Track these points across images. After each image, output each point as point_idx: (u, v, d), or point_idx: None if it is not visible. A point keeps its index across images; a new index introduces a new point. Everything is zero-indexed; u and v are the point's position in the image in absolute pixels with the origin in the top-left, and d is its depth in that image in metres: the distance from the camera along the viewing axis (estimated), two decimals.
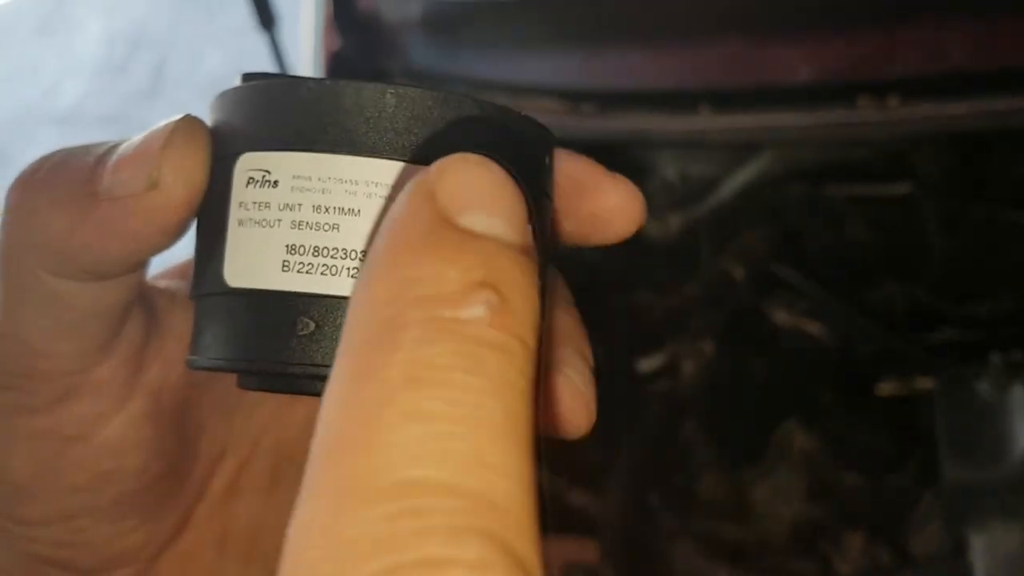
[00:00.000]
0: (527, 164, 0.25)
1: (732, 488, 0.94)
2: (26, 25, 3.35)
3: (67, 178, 0.24)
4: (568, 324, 0.27)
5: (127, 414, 0.27)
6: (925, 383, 0.91)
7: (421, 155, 0.24)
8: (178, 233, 0.25)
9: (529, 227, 0.18)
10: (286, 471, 0.31)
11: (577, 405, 0.26)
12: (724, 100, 0.80)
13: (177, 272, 0.30)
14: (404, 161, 0.23)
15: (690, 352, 0.99)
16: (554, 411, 0.26)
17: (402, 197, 0.18)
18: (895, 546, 0.85)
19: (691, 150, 0.99)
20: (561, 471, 0.95)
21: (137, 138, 0.24)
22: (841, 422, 0.94)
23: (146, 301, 0.28)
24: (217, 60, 2.93)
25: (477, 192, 0.17)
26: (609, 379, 1.01)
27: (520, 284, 0.16)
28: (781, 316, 1.00)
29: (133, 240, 0.24)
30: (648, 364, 1.01)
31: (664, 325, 1.02)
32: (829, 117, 0.76)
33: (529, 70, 0.91)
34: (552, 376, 0.26)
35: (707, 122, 0.80)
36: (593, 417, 0.26)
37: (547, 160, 0.26)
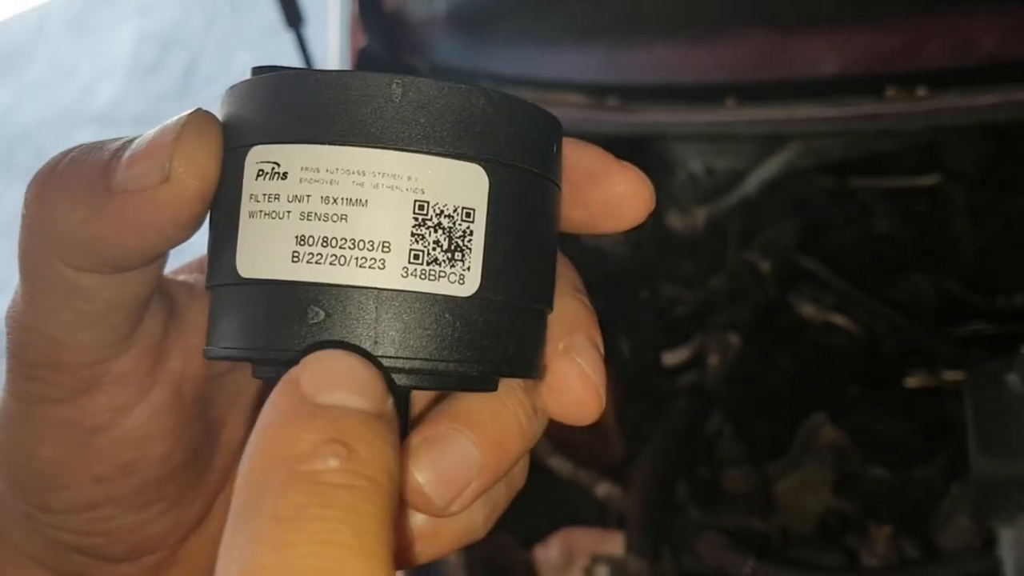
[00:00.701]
0: (533, 151, 0.25)
1: (758, 481, 0.94)
2: (60, 26, 3.40)
3: (83, 173, 0.25)
4: (577, 310, 0.28)
5: (149, 404, 0.28)
6: (953, 376, 0.90)
7: (427, 145, 0.24)
8: (193, 225, 0.25)
9: (388, 400, 0.22)
10: None
11: (587, 391, 0.27)
12: (750, 92, 0.80)
13: (197, 266, 0.30)
14: (410, 151, 0.24)
15: (716, 345, 0.99)
16: (564, 398, 0.27)
17: (276, 388, 0.21)
18: (922, 539, 0.85)
19: (717, 143, 0.99)
20: (588, 463, 0.95)
21: (150, 132, 0.25)
22: (868, 415, 0.93)
23: (166, 294, 0.28)
24: (247, 60, 2.96)
25: (332, 376, 0.21)
26: (636, 372, 1.01)
27: (366, 437, 0.20)
28: (808, 309, 1.00)
29: (147, 232, 0.25)
30: (674, 357, 1.01)
31: (690, 318, 1.02)
32: (857, 109, 0.76)
33: (554, 65, 0.91)
34: (562, 362, 0.27)
35: (733, 115, 0.80)
36: (603, 403, 0.27)
37: (554, 148, 0.27)
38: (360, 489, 0.19)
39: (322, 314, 0.23)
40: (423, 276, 0.24)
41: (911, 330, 0.95)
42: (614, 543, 0.92)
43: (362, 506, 0.19)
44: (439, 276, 0.24)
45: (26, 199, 0.25)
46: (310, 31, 0.98)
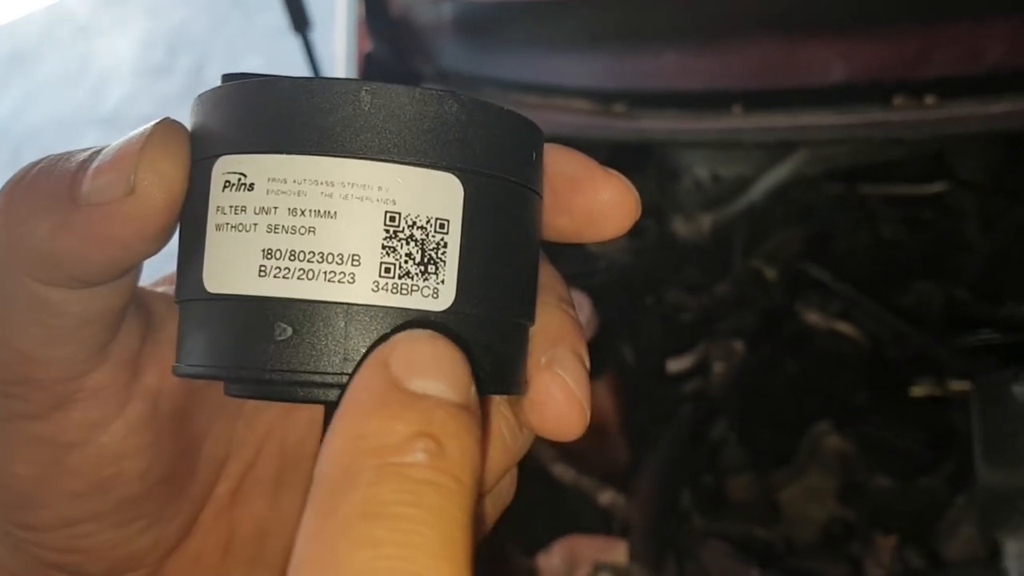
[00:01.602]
0: (511, 159, 0.25)
1: (763, 489, 0.94)
2: (69, 28, 3.42)
3: (49, 184, 0.24)
4: (560, 322, 0.27)
5: (125, 419, 0.27)
6: (960, 386, 0.89)
7: (398, 154, 0.23)
8: (160, 239, 0.24)
9: (472, 388, 0.21)
10: (291, 475, 0.31)
11: (570, 406, 0.26)
12: (757, 100, 0.79)
13: (175, 278, 0.29)
14: (381, 161, 0.23)
15: (721, 352, 0.99)
16: (547, 413, 0.26)
17: (364, 365, 0.21)
18: (927, 550, 0.84)
19: (723, 150, 0.99)
20: (592, 471, 0.95)
21: (117, 143, 0.24)
22: (874, 424, 0.93)
23: (143, 306, 0.28)
24: (256, 62, 2.96)
25: (423, 361, 0.21)
26: (640, 379, 1.01)
27: (456, 433, 0.20)
28: (813, 317, 0.99)
29: (113, 246, 0.24)
30: (679, 364, 1.00)
31: (695, 325, 1.02)
32: (864, 116, 0.75)
33: (561, 71, 0.91)
34: (544, 376, 0.26)
35: (740, 122, 0.80)
36: (587, 419, 0.26)
37: (534, 155, 0.26)
38: (447, 490, 0.19)
39: (289, 330, 0.23)
40: (395, 290, 0.23)
41: (917, 338, 0.95)
42: (617, 551, 0.92)
43: (448, 509, 0.19)
44: (412, 290, 0.23)
45: None
46: (317, 35, 0.98)
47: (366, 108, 0.23)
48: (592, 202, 0.27)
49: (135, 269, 0.26)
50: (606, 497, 0.95)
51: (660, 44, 0.86)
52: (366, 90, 0.23)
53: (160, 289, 0.30)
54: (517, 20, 0.96)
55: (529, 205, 0.26)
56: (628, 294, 1.01)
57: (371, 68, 1.04)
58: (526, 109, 0.95)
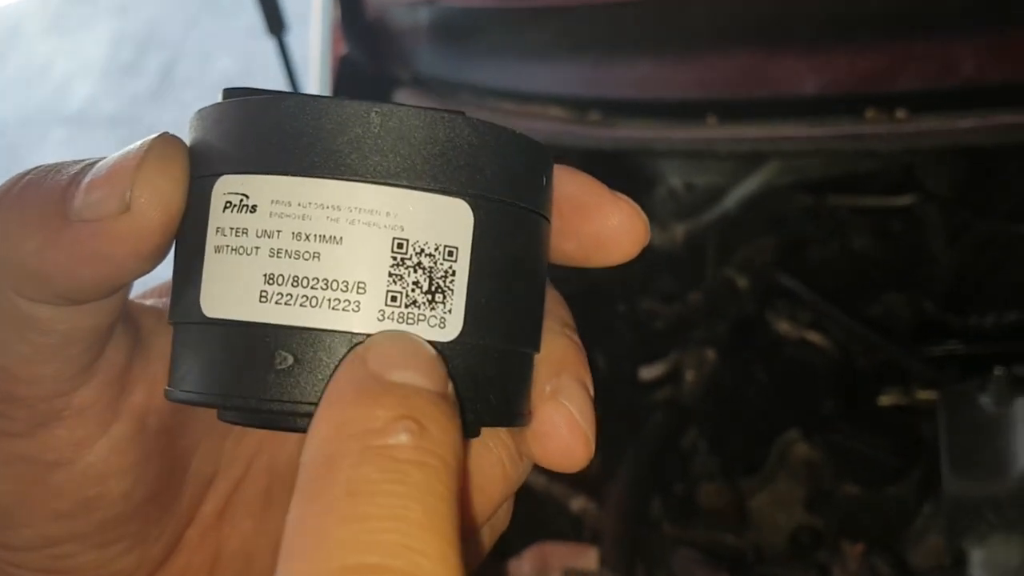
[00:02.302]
0: (522, 185, 0.24)
1: (732, 496, 0.94)
2: (36, 24, 3.36)
3: (38, 198, 0.23)
4: (565, 349, 0.27)
5: (111, 438, 0.26)
6: (927, 395, 0.91)
7: (408, 179, 0.22)
8: (155, 257, 0.24)
9: (448, 379, 0.21)
10: (279, 493, 0.31)
11: (575, 438, 0.25)
12: (731, 111, 0.80)
13: (166, 289, 0.28)
14: (390, 185, 0.22)
15: (693, 360, 0.99)
16: (551, 445, 0.26)
17: (343, 363, 0.22)
18: (894, 558, 0.85)
19: (697, 160, 1.00)
20: (563, 477, 0.95)
21: (111, 157, 0.23)
22: (842, 432, 0.94)
23: (131, 320, 0.27)
24: (227, 62, 2.94)
25: (400, 355, 0.21)
26: (612, 386, 1.01)
27: (436, 416, 0.20)
28: (784, 326, 1.00)
29: (105, 265, 0.23)
30: (651, 372, 1.01)
31: (668, 333, 1.02)
32: (836, 129, 0.76)
33: (537, 78, 0.91)
34: (548, 407, 0.26)
35: (714, 132, 0.81)
36: (592, 451, 0.26)
37: (544, 180, 0.25)
38: (431, 467, 0.19)
39: (291, 359, 0.22)
40: (400, 319, 0.22)
41: (885, 348, 0.96)
42: (588, 558, 0.92)
43: (433, 485, 0.19)
44: (418, 319, 0.22)
45: None
46: (292, 38, 0.97)
47: (375, 130, 0.22)
48: (600, 227, 0.27)
49: (124, 288, 0.25)
50: (577, 504, 0.95)
51: (636, 54, 0.86)
52: (376, 111, 0.22)
53: (149, 301, 0.28)
54: (493, 27, 0.96)
55: (538, 231, 0.25)
56: (601, 301, 1.01)
57: (346, 71, 1.03)
58: (501, 115, 0.95)
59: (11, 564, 0.27)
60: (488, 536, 0.29)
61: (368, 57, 1.03)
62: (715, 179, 1.00)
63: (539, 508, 0.97)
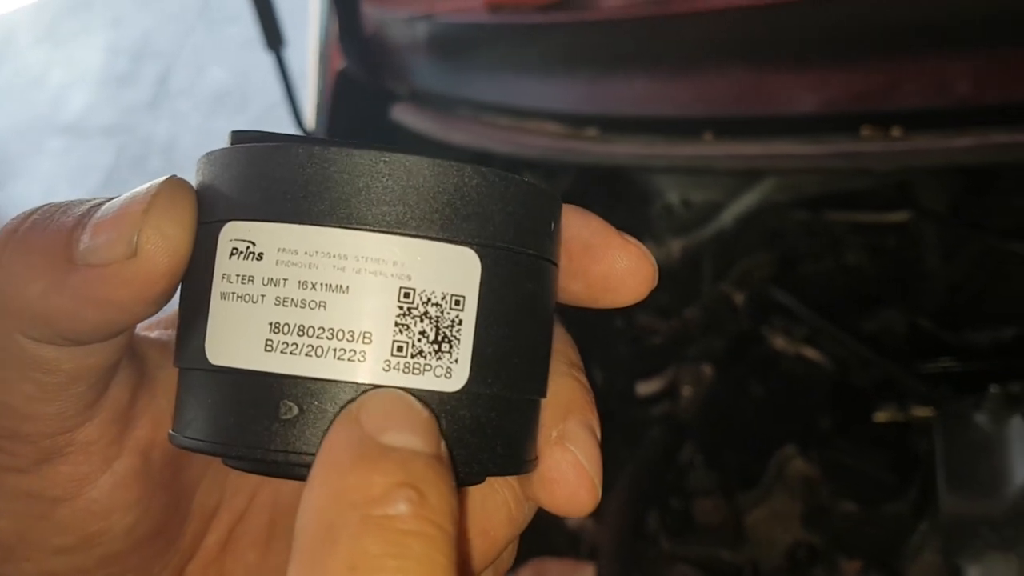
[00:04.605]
0: (530, 232, 0.24)
1: (729, 512, 0.94)
2: (32, 34, 3.36)
3: (44, 241, 0.23)
4: (572, 392, 0.26)
5: (114, 474, 0.26)
6: (922, 412, 0.91)
7: (416, 227, 0.22)
8: (161, 302, 0.24)
9: (441, 439, 0.21)
10: (282, 526, 0.31)
11: (581, 483, 0.25)
12: (728, 127, 0.80)
13: (171, 321, 0.28)
14: (397, 234, 0.22)
15: (690, 376, 0.99)
16: (557, 492, 0.26)
17: (335, 423, 0.21)
18: (891, 574, 0.85)
19: (694, 176, 1.00)
20: None
21: (118, 200, 0.23)
22: (838, 448, 0.94)
23: (136, 355, 0.27)
24: (220, 73, 2.94)
25: (393, 416, 0.21)
26: (609, 401, 1.01)
27: (434, 482, 0.20)
28: (780, 341, 1.00)
29: (111, 309, 0.23)
30: (648, 387, 1.01)
31: (664, 348, 1.02)
32: (832, 147, 0.76)
33: (534, 94, 0.91)
34: (555, 452, 0.26)
35: (711, 149, 0.81)
36: (598, 496, 0.26)
37: (552, 225, 0.25)
38: (431, 538, 0.19)
39: (296, 409, 0.22)
40: (406, 370, 0.22)
41: (881, 364, 0.96)
42: (585, 573, 0.92)
43: (433, 556, 0.19)
44: (424, 370, 0.22)
45: None
46: (289, 52, 0.97)
47: (383, 179, 0.22)
48: (609, 269, 0.27)
49: (128, 330, 0.25)
50: (574, 520, 0.95)
51: (633, 70, 0.87)
52: (384, 160, 0.22)
53: (155, 333, 0.28)
54: (491, 42, 0.96)
55: (546, 276, 0.25)
56: (598, 316, 1.01)
57: (343, 86, 1.03)
58: (498, 131, 0.95)
59: None
60: None
61: (366, 72, 1.03)
62: (712, 195, 1.00)
63: (536, 523, 0.97)
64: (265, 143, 0.23)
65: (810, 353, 0.99)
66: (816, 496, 0.92)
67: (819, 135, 0.77)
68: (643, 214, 1.02)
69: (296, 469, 0.22)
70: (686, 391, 0.99)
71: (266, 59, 0.99)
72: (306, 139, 0.23)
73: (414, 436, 0.21)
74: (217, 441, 0.23)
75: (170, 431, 0.25)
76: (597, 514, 0.94)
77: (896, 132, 0.74)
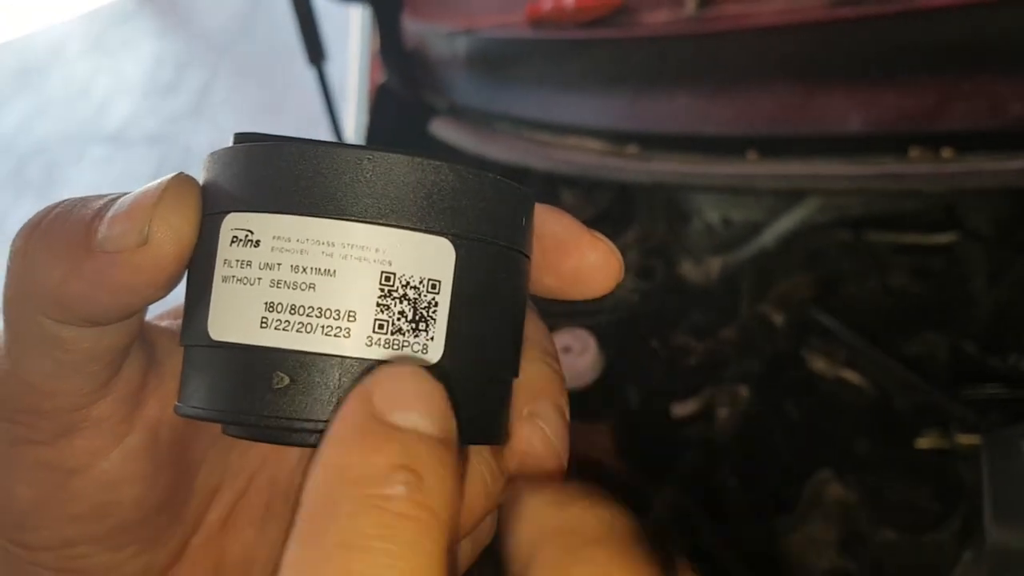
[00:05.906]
0: (501, 225, 0.27)
1: (765, 537, 0.92)
2: (79, 45, 3.43)
3: (65, 229, 0.26)
4: (543, 376, 0.29)
5: (125, 448, 0.29)
6: (967, 439, 0.89)
7: (396, 219, 0.25)
8: (169, 286, 0.26)
9: (452, 423, 0.22)
10: (279, 507, 0.33)
11: (547, 454, 0.28)
12: (772, 146, 0.79)
13: (178, 312, 0.31)
14: (379, 224, 0.25)
15: (726, 397, 0.98)
16: (526, 462, 0.28)
17: (349, 397, 0.22)
18: None
19: (735, 195, 0.98)
20: None
21: (132, 194, 0.26)
22: (878, 474, 0.92)
23: (147, 341, 0.30)
24: (261, 85, 2.98)
25: (405, 395, 0.22)
26: (644, 423, 1.00)
27: (435, 467, 0.21)
28: (819, 364, 0.98)
29: (124, 292, 0.25)
30: (683, 408, 0.99)
31: (701, 369, 1.01)
32: (879, 168, 0.75)
33: (574, 110, 0.91)
34: (525, 427, 0.28)
35: (754, 168, 0.80)
36: (564, 467, 0.28)
37: (523, 220, 0.28)
38: (423, 523, 0.20)
39: (287, 379, 0.24)
40: (387, 345, 0.25)
41: (924, 389, 0.94)
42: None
43: (423, 543, 0.20)
44: (403, 345, 0.25)
45: (11, 252, 0.26)
46: (331, 66, 0.98)
47: (367, 175, 0.25)
48: (579, 264, 0.29)
49: (140, 312, 0.28)
50: None
51: (675, 87, 0.86)
52: (368, 158, 0.25)
53: (164, 323, 0.31)
54: (531, 58, 0.96)
55: (517, 266, 0.28)
56: (634, 335, 1.00)
57: (383, 99, 1.04)
58: (537, 147, 0.94)
59: (30, 563, 0.29)
60: (470, 549, 0.31)
61: (405, 86, 1.03)
62: (753, 214, 0.99)
63: None
64: (263, 143, 0.26)
65: (850, 376, 0.97)
66: (854, 522, 0.90)
67: (866, 155, 0.76)
68: (682, 232, 1.01)
69: (287, 434, 0.25)
70: (722, 413, 0.98)
71: (307, 72, 1.00)
72: (299, 139, 0.26)
73: (423, 416, 0.22)
74: (217, 409, 0.25)
75: (176, 403, 0.27)
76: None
77: (946, 153, 0.73)
